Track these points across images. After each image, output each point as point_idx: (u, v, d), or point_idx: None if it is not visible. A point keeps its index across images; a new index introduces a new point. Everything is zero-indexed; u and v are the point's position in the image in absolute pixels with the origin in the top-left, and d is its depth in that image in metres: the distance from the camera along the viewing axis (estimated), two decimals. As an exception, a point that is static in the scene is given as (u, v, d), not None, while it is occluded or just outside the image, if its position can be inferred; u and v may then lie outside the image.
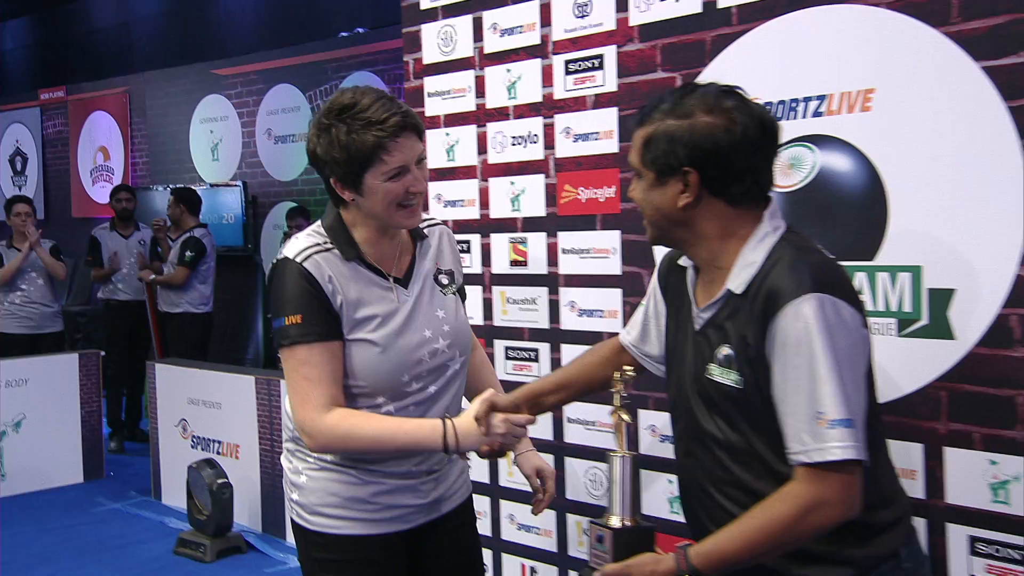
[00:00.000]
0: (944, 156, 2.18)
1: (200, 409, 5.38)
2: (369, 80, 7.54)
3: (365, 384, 2.03)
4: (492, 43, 3.01)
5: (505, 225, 3.05)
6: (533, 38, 2.91)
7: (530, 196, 2.96)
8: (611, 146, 2.77)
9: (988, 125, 2.12)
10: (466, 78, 3.09)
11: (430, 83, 3.21)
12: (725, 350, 1.72)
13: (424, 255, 2.14)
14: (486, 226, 3.10)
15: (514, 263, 3.03)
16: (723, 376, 1.73)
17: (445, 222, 2.29)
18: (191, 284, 6.69)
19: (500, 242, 3.06)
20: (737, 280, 1.71)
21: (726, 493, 1.77)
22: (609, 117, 2.76)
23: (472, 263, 3.13)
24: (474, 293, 3.10)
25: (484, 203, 3.10)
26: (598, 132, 2.79)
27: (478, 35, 3.06)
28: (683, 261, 1.89)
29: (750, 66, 2.49)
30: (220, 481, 4.64)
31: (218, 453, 5.21)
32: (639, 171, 1.77)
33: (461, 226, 3.16)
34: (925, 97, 2.19)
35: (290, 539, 4.78)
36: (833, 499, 1.61)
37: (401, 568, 2.16)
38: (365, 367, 2.01)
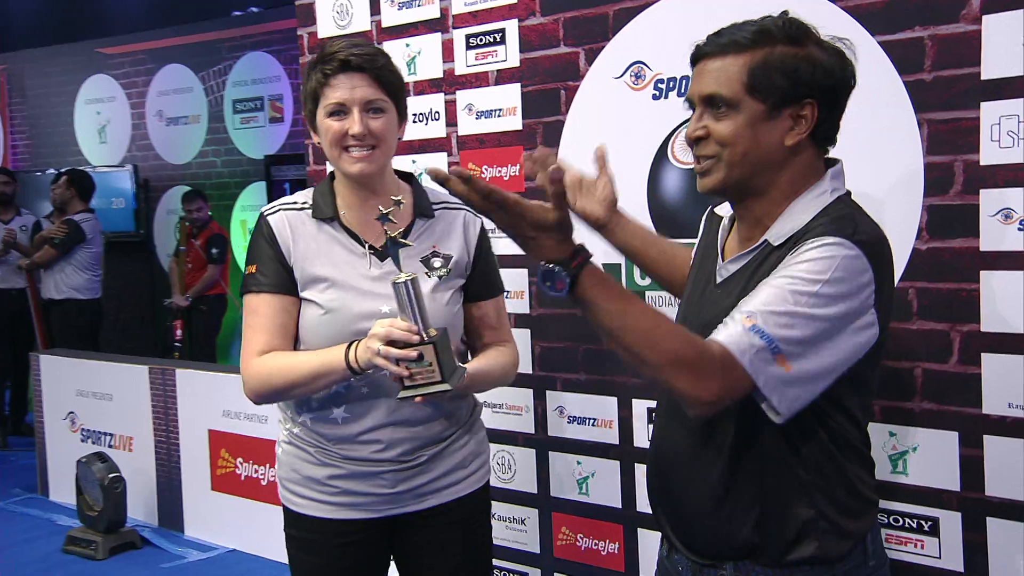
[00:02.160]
0: (843, 130, 2.19)
1: (90, 401, 5.15)
2: (263, 61, 7.34)
3: (307, 347, 1.98)
4: (390, 16, 2.93)
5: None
6: (432, 11, 2.84)
7: (432, 174, 2.88)
8: (515, 123, 2.72)
9: (886, 99, 2.15)
10: (364, 53, 2.99)
11: (327, 58, 3.09)
12: None
13: (419, 232, 2.03)
14: (388, 205, 3.01)
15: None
16: None
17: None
18: (63, 267, 6.39)
19: (402, 222, 2.97)
20: (778, 231, 1.57)
21: (705, 458, 1.61)
22: (512, 93, 2.71)
23: (373, 243, 3.04)
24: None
25: (385, 182, 3.00)
26: (501, 109, 2.73)
27: (375, 8, 2.96)
28: (721, 210, 1.78)
29: (653, 40, 2.48)
30: (112, 475, 4.44)
31: (110, 446, 4.99)
32: (734, 103, 1.54)
33: (361, 206, 3.06)
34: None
35: (189, 532, 4.63)
36: (718, 377, 1.42)
37: (371, 557, 2.08)
38: (307, 328, 1.98)
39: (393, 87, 1.97)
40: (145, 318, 8.20)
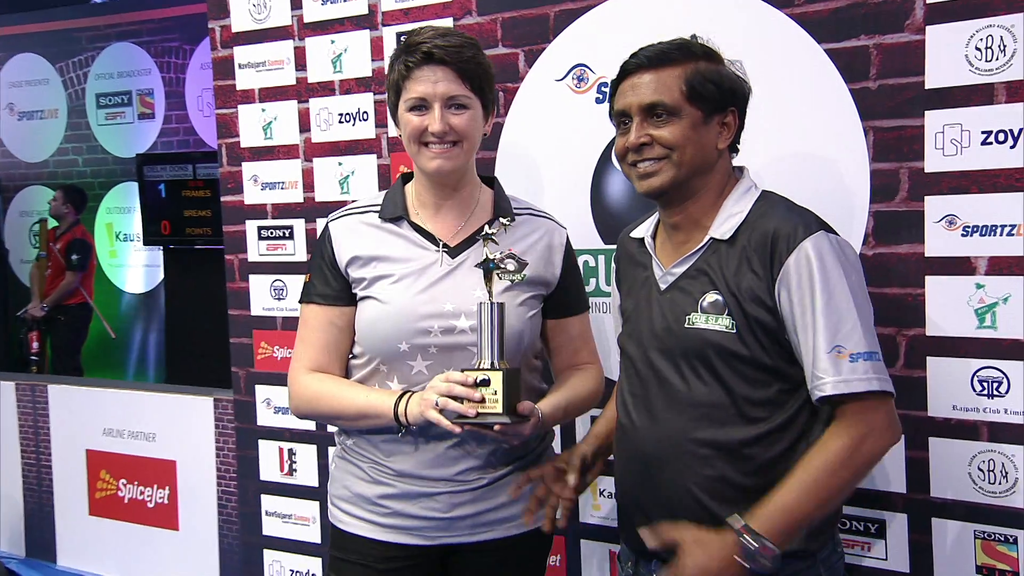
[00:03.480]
0: (790, 138, 2.25)
1: (-55, 422, 4.80)
2: (130, 52, 7.02)
3: (362, 349, 1.94)
4: (313, 11, 2.85)
5: (333, 209, 2.80)
6: (360, 7, 2.78)
7: (361, 178, 2.82)
8: (449, 125, 2.67)
9: (832, 107, 2.21)
10: (283, 49, 2.92)
11: (241, 53, 3.00)
12: (712, 296, 1.73)
13: (497, 233, 1.93)
14: (311, 210, 2.95)
15: (313, 248, 2.87)
16: (712, 322, 1.72)
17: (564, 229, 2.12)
18: None
19: (328, 227, 2.90)
20: (722, 228, 1.76)
21: (697, 454, 1.73)
22: (446, 94, 2.66)
23: (295, 251, 2.97)
24: (299, 282, 2.91)
25: (308, 185, 2.94)
26: (434, 110, 2.68)
27: (296, 2, 2.88)
28: (638, 232, 1.94)
29: (596, 43, 2.48)
30: (-26, 503, 4.17)
31: (-29, 471, 4.67)
32: (676, 110, 1.74)
33: (281, 210, 2.98)
34: (772, 78, 2.24)
35: (62, 562, 4.39)
36: (879, 426, 1.65)
37: None
38: (364, 325, 1.93)
39: (479, 81, 1.91)
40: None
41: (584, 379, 2.06)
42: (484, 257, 1.83)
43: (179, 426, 3.96)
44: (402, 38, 1.96)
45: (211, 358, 4.19)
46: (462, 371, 1.80)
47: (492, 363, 1.79)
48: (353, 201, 2.15)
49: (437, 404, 1.77)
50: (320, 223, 2.89)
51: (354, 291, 1.97)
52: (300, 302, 2.02)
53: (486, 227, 1.85)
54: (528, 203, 2.10)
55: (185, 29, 6.65)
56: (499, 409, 1.77)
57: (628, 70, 1.80)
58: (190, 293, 5.99)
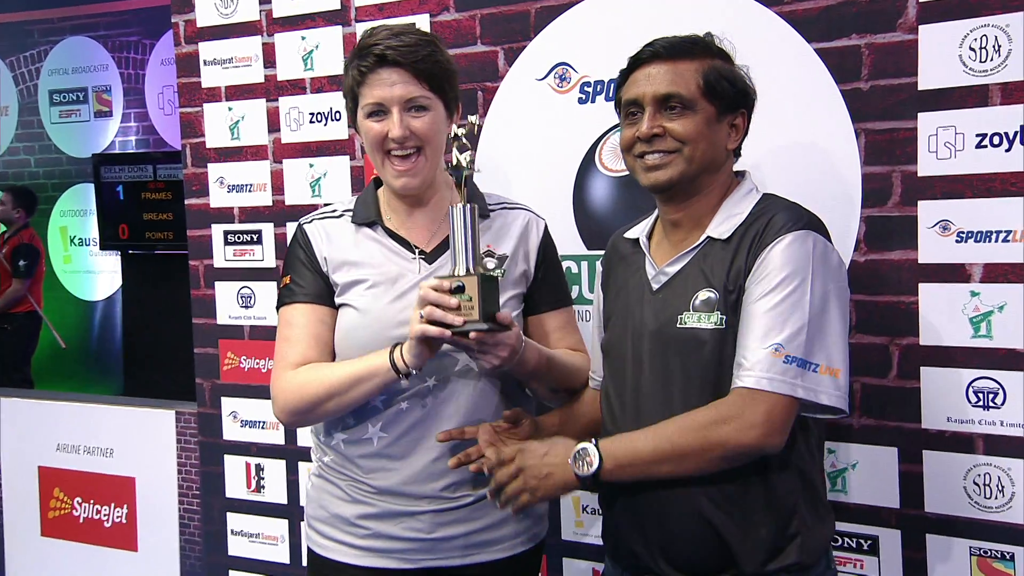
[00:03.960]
0: (778, 140, 2.25)
1: None
2: (86, 47, 6.95)
3: (339, 359, 1.91)
4: (283, 5, 2.83)
5: (303, 212, 2.77)
6: (332, 2, 2.76)
7: (333, 180, 2.80)
8: (426, 125, 2.66)
9: (822, 108, 2.21)
10: (251, 45, 2.89)
11: (207, 49, 2.97)
12: (705, 294, 1.73)
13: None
14: (280, 214, 2.92)
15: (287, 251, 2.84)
16: (702, 320, 1.72)
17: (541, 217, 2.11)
18: None
19: (298, 232, 2.87)
20: (721, 228, 1.77)
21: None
22: (422, 93, 2.65)
23: (263, 256, 2.94)
24: (267, 289, 2.91)
25: (278, 188, 2.91)
26: (411, 109, 2.67)
27: (265, -5, 2.87)
28: (632, 232, 1.94)
29: (579, 41, 2.47)
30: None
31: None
32: (691, 103, 1.75)
33: (249, 214, 2.95)
34: (760, 78, 2.23)
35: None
36: (751, 419, 1.61)
37: None
38: (342, 334, 1.91)
39: (438, 80, 1.88)
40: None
41: (571, 354, 2.05)
42: (455, 162, 1.80)
43: (138, 441, 3.89)
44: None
45: (173, 369, 4.14)
46: (438, 279, 1.78)
47: (468, 268, 1.77)
48: (326, 205, 2.12)
49: (422, 317, 1.74)
50: (291, 227, 2.86)
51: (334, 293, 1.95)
52: (280, 306, 1.99)
53: (455, 128, 1.82)
54: (501, 197, 2.08)
55: (145, 23, 6.59)
56: (475, 316, 1.74)
57: (642, 59, 1.80)
58: (150, 301, 5.93)
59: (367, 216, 1.96)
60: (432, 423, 1.89)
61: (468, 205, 1.77)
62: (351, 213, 1.99)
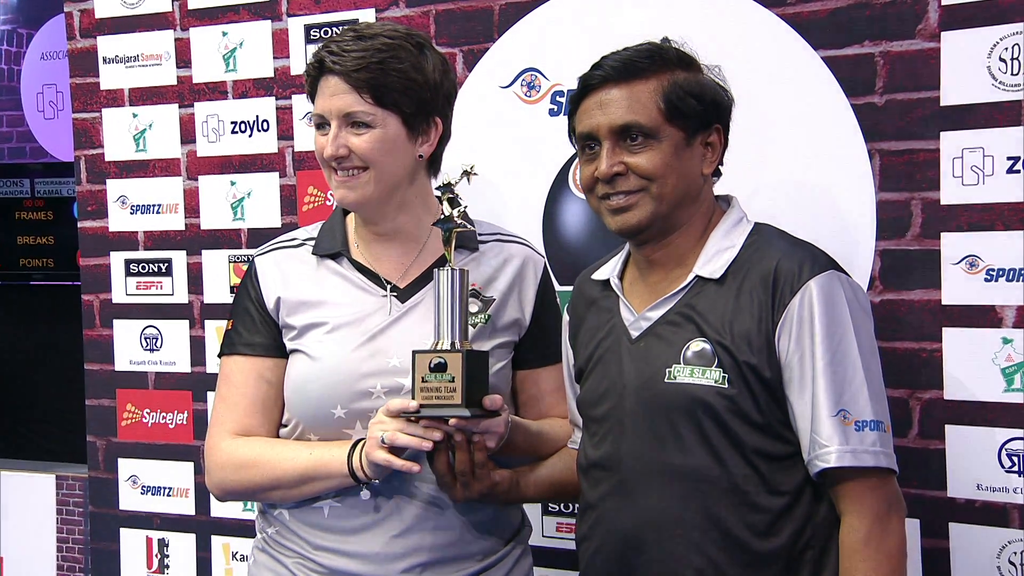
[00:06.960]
0: (780, 163, 2.33)
1: None
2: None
3: (289, 415, 1.94)
4: (200, -5, 2.88)
5: (223, 239, 2.91)
6: (260, -8, 2.81)
7: (259, 201, 2.84)
8: (372, 137, 2.71)
9: (830, 126, 2.28)
10: (162, 40, 2.93)
11: (107, 45, 3.01)
12: (697, 345, 1.76)
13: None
14: (195, 240, 2.95)
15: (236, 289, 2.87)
16: (699, 376, 1.74)
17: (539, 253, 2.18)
18: None
19: (216, 261, 2.92)
20: (710, 266, 1.80)
21: (687, 538, 1.76)
22: (368, 100, 2.70)
23: (173, 290, 2.96)
24: (178, 329, 2.93)
25: (192, 209, 2.94)
26: (353, 119, 2.72)
27: (178, -17, 2.91)
28: (600, 273, 1.97)
29: (549, 44, 2.53)
30: None
31: None
32: (654, 132, 1.78)
33: (157, 240, 2.98)
34: (758, 91, 2.29)
35: None
36: (896, 499, 1.76)
37: None
38: (291, 386, 1.94)
39: (390, 94, 1.90)
40: None
41: (559, 425, 2.09)
42: (443, 215, 1.84)
43: (8, 511, 3.88)
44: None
45: (54, 424, 4.12)
46: (415, 353, 1.80)
47: (453, 343, 1.80)
48: (284, 231, 2.18)
49: (384, 441, 1.78)
50: (207, 256, 2.92)
51: (283, 340, 1.98)
52: (220, 355, 2.03)
53: (443, 177, 1.88)
54: (496, 227, 2.13)
55: (21, 9, 6.57)
56: (457, 400, 1.76)
57: (592, 84, 1.82)
58: (25, 341, 5.87)
59: (331, 247, 2.00)
60: (394, 492, 1.91)
61: (457, 270, 1.81)
62: (312, 243, 2.03)
